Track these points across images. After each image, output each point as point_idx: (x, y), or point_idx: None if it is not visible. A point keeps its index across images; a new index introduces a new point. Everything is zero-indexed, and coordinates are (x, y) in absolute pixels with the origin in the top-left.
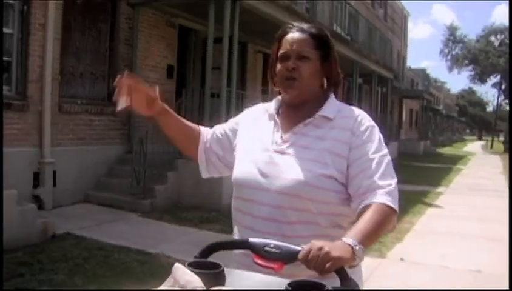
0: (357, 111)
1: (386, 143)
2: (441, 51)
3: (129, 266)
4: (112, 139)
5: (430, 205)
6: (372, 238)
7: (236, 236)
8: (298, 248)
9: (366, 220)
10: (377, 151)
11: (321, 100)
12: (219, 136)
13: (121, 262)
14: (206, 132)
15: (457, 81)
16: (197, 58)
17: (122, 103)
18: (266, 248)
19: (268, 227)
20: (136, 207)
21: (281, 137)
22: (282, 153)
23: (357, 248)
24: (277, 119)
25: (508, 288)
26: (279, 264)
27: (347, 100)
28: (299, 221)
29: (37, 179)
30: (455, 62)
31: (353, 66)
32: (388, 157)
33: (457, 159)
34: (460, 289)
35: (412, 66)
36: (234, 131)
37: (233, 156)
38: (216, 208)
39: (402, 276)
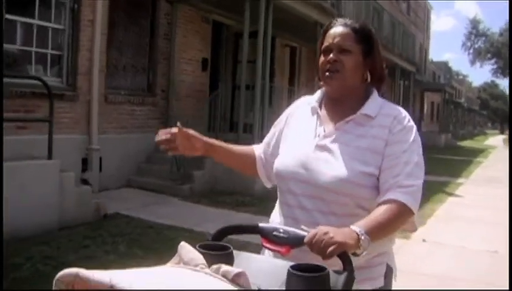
0: (397, 109)
1: None
2: (464, 44)
3: (180, 241)
4: (151, 128)
5: (451, 194)
6: (381, 232)
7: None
8: (305, 233)
9: (378, 213)
10: (409, 150)
11: (364, 96)
12: (270, 143)
13: (172, 237)
14: (259, 148)
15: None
16: (228, 52)
17: (170, 148)
18: (275, 233)
19: (313, 218)
20: (176, 192)
21: (324, 131)
22: (323, 148)
23: (363, 237)
24: (319, 112)
25: (508, 288)
26: (287, 248)
27: None
28: (343, 214)
29: (85, 164)
30: (478, 56)
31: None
32: (418, 158)
33: (477, 152)
34: (460, 289)
35: (434, 59)
36: (280, 132)
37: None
38: (250, 193)
39: (424, 254)
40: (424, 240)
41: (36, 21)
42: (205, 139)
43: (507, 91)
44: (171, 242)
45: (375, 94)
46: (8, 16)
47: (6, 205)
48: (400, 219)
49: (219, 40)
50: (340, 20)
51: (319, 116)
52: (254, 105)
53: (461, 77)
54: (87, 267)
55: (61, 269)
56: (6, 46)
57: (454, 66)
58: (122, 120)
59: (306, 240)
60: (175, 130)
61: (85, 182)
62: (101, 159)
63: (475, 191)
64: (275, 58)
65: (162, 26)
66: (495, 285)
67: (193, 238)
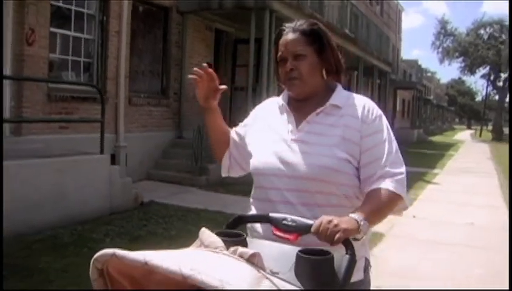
0: (364, 99)
1: None
2: (433, 44)
3: (219, 220)
4: (166, 127)
5: (429, 182)
6: (376, 217)
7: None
8: (311, 221)
9: (371, 201)
10: (387, 139)
11: (328, 90)
12: (236, 138)
13: (211, 217)
14: (233, 134)
15: (447, 71)
16: (228, 56)
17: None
18: (284, 222)
19: (297, 212)
20: (193, 182)
21: (296, 126)
22: (299, 141)
23: (362, 222)
24: (289, 109)
25: (508, 288)
26: (295, 235)
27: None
28: (328, 204)
29: (113, 159)
30: (446, 54)
31: (358, 62)
32: (395, 144)
33: (448, 146)
34: (461, 289)
35: (405, 57)
36: (246, 132)
37: (248, 152)
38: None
39: (415, 227)
40: (414, 217)
41: (72, 33)
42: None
43: (474, 88)
44: (213, 222)
45: (339, 87)
46: (51, 29)
47: (68, 193)
48: (391, 205)
49: (220, 46)
50: (289, 26)
51: (288, 113)
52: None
53: (430, 74)
54: (157, 241)
55: (136, 242)
56: (51, 55)
57: (423, 63)
58: (143, 120)
59: (313, 229)
60: (206, 69)
61: None
62: (126, 154)
63: (450, 180)
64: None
65: (173, 35)
66: (471, 246)
67: (229, 217)
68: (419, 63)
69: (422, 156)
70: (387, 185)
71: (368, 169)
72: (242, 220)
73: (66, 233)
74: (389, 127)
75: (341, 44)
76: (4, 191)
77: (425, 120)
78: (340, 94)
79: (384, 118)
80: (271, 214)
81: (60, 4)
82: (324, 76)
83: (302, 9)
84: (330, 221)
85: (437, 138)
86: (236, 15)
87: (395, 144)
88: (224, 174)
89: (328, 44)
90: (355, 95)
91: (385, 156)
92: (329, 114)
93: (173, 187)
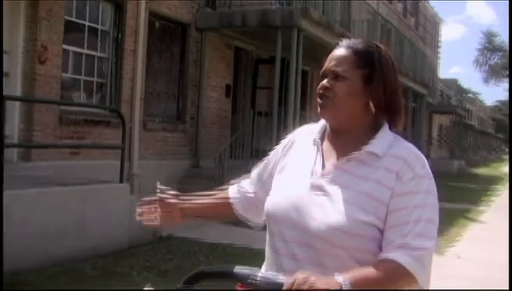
0: (410, 150)
1: None
2: (476, 60)
3: (247, 256)
4: (182, 155)
5: (473, 220)
6: (368, 287)
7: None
8: (283, 280)
9: (370, 269)
10: (421, 205)
11: (371, 130)
12: (262, 177)
13: (238, 253)
14: (240, 188)
15: (493, 92)
16: (247, 77)
17: (149, 221)
18: (250, 280)
19: (303, 269)
20: None
21: (322, 168)
22: (319, 188)
23: (345, 288)
24: (320, 146)
25: (507, 288)
26: None
27: None
28: (334, 267)
29: None
30: (492, 73)
31: None
32: (432, 214)
33: (495, 180)
34: (462, 289)
35: (442, 76)
36: (274, 165)
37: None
38: None
39: (460, 268)
40: (458, 257)
41: (85, 50)
42: (182, 203)
43: None
44: (240, 257)
45: (385, 129)
46: (64, 46)
47: (88, 224)
48: (396, 282)
49: (239, 66)
50: (345, 42)
51: (319, 149)
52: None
53: (471, 95)
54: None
55: (164, 276)
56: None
57: (464, 83)
58: (157, 147)
59: (284, 288)
60: (155, 201)
61: None
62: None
63: (499, 218)
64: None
65: (191, 54)
66: None
67: (254, 254)
68: (459, 83)
69: (464, 191)
70: (398, 257)
71: (387, 235)
72: (203, 276)
73: (87, 265)
74: (431, 189)
75: None
76: (26, 220)
77: (467, 149)
78: (382, 139)
79: (428, 180)
80: (236, 270)
81: (74, 19)
82: (373, 109)
83: (332, 28)
84: (305, 281)
85: (481, 170)
86: (258, 32)
87: (430, 213)
88: (259, 226)
89: (382, 74)
90: (401, 142)
91: (411, 223)
92: (363, 163)
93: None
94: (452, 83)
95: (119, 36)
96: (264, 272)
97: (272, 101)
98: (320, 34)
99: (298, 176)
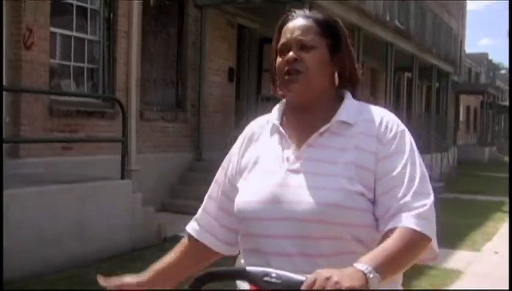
0: (381, 112)
1: (445, 149)
2: (510, 29)
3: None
4: (183, 146)
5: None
6: (393, 267)
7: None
8: (303, 277)
9: (385, 246)
10: (409, 163)
11: (335, 102)
12: (226, 191)
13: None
14: (195, 227)
15: None
16: (252, 58)
17: None
18: (266, 278)
19: (294, 265)
20: None
21: (293, 152)
22: (297, 171)
23: (371, 275)
24: (282, 131)
25: (508, 288)
26: None
27: (397, 99)
28: (336, 252)
29: None
30: None
31: (412, 62)
32: (422, 169)
33: None
34: (462, 289)
35: (470, 51)
36: (233, 170)
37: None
38: None
39: (497, 265)
40: (496, 253)
41: (73, 33)
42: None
43: None
44: None
45: (349, 97)
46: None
47: (88, 225)
48: (415, 249)
49: (243, 47)
50: (299, 12)
51: (282, 135)
52: None
53: (504, 71)
54: None
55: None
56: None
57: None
58: (156, 139)
59: (304, 287)
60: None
61: None
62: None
63: None
64: None
65: (190, 34)
66: None
67: None
68: (489, 57)
69: (498, 181)
70: (405, 221)
71: (382, 202)
72: (210, 278)
73: (91, 270)
74: (414, 146)
75: (391, 40)
76: (20, 223)
77: (499, 134)
78: (349, 107)
79: (407, 134)
80: (248, 268)
81: None
82: (336, 81)
83: (346, 0)
84: (328, 278)
85: None
86: (263, 8)
87: (420, 169)
88: (233, 252)
89: (345, 44)
90: (369, 107)
91: (405, 184)
92: (336, 133)
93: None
94: (482, 58)
95: (111, 15)
96: (279, 271)
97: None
98: (333, 7)
99: (268, 168)
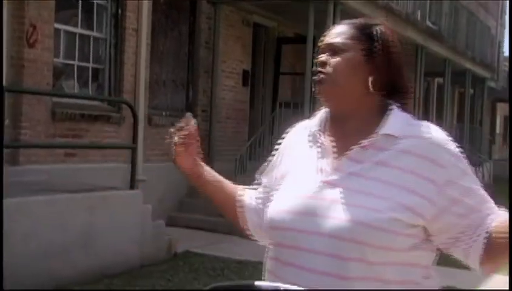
0: (432, 127)
1: (479, 165)
2: None
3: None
4: None
5: None
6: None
7: None
8: None
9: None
10: (477, 181)
11: (378, 113)
12: (250, 203)
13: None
14: (249, 192)
15: None
16: (269, 60)
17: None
18: None
19: (321, 283)
20: (232, 229)
21: (330, 163)
22: (333, 185)
23: None
24: (320, 139)
25: (508, 288)
26: None
27: (426, 107)
28: (363, 277)
29: None
30: None
31: (445, 66)
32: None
33: None
34: (460, 289)
35: (507, 52)
36: (275, 175)
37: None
38: None
39: None
40: None
41: (78, 30)
42: (202, 165)
43: None
44: None
45: (395, 109)
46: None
47: (97, 238)
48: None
49: (258, 47)
50: (342, 22)
51: (320, 144)
52: None
53: None
54: None
55: None
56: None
57: None
58: (164, 147)
59: None
60: (192, 127)
61: None
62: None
63: None
64: None
65: (203, 33)
66: None
67: None
68: None
69: None
70: (502, 213)
71: (462, 222)
72: None
73: (101, 287)
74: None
75: (422, 43)
76: (27, 234)
77: None
78: (395, 119)
79: (463, 156)
80: (258, 283)
81: None
82: (371, 87)
83: None
84: None
85: None
86: (282, 5)
87: (483, 190)
88: (261, 240)
89: (386, 50)
90: (417, 121)
91: (482, 204)
92: (379, 148)
93: (207, 235)
94: None
95: (119, 11)
96: (289, 286)
97: (298, 90)
98: (361, 7)
99: (303, 178)
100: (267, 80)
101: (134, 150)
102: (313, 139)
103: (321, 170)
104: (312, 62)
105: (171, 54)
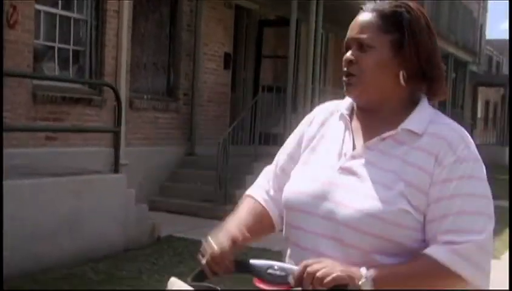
0: (452, 128)
1: None
2: None
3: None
4: (173, 139)
5: None
6: (394, 285)
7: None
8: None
9: (401, 265)
10: (468, 193)
11: (407, 106)
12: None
13: (256, 255)
14: (267, 199)
15: None
16: (250, 43)
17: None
18: (269, 271)
19: None
20: (214, 214)
21: (352, 149)
22: (349, 171)
23: (364, 280)
24: (349, 124)
25: (508, 288)
26: (285, 287)
27: None
28: (360, 263)
29: None
30: None
31: None
32: (479, 204)
33: None
34: (460, 289)
35: (491, 37)
36: (298, 146)
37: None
38: None
39: None
40: None
41: (58, 10)
42: (232, 242)
43: None
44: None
45: (423, 103)
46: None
47: (83, 222)
48: (432, 280)
49: (240, 30)
50: (369, 5)
51: (349, 127)
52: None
53: None
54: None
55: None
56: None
57: None
58: (146, 130)
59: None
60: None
61: None
62: None
63: None
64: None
65: (184, 15)
66: None
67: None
68: None
69: None
70: (435, 252)
71: (430, 229)
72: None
73: (88, 270)
74: (478, 176)
75: None
76: (13, 217)
77: None
78: (420, 115)
79: (472, 163)
80: (252, 261)
81: None
82: (402, 82)
83: None
84: (318, 268)
85: None
86: None
87: (477, 203)
88: None
89: (414, 37)
90: (443, 119)
91: (453, 216)
92: (399, 142)
93: (188, 219)
94: (504, 45)
95: None
96: (281, 263)
97: (281, 73)
98: None
99: (324, 159)
100: (249, 64)
101: (117, 134)
102: (343, 121)
103: (343, 155)
104: (295, 44)
105: (153, 36)
